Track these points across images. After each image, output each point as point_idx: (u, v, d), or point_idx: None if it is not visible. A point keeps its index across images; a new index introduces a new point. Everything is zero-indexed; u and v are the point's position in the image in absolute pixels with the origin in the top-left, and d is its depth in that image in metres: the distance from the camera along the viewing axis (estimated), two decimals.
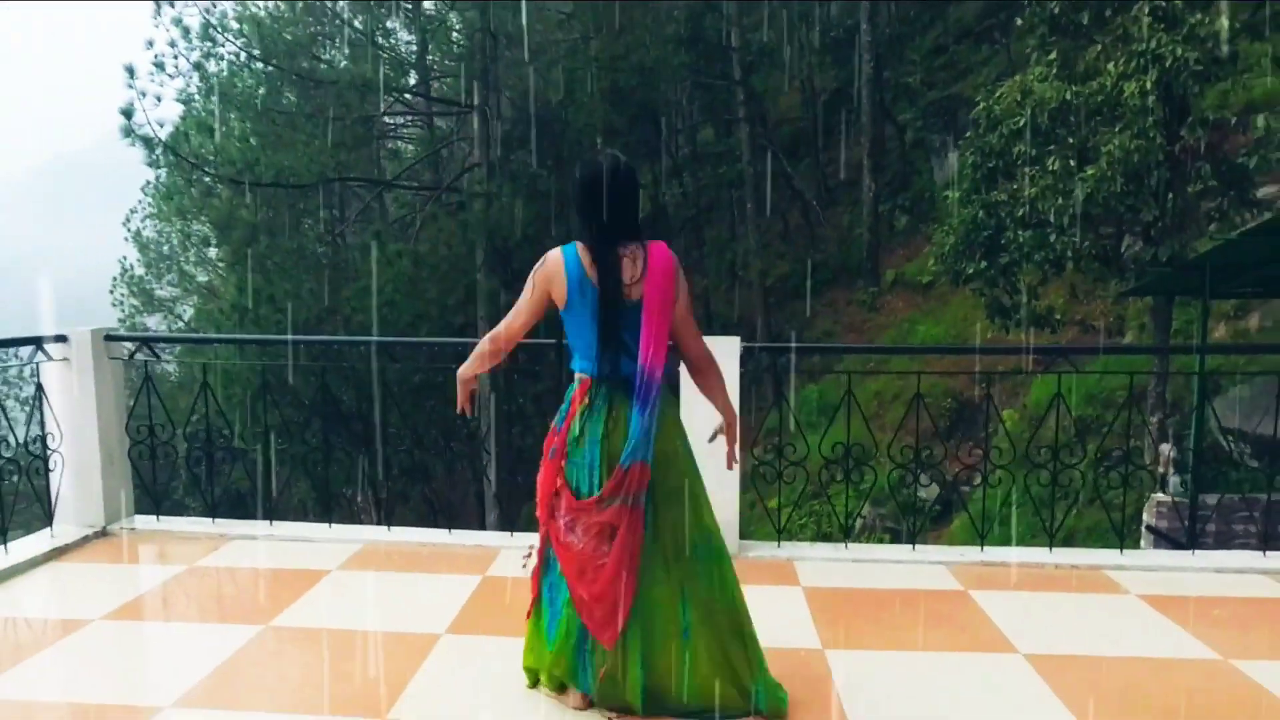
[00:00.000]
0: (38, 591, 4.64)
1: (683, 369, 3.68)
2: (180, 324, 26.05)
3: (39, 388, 5.29)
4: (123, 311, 26.65)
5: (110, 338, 5.46)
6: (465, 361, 3.52)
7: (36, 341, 5.24)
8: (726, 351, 5.11)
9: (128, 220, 26.61)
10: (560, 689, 3.46)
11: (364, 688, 3.59)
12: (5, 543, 4.93)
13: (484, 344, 3.46)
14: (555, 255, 3.32)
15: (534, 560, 3.47)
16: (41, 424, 5.24)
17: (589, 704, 3.38)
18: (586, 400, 3.33)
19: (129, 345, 5.65)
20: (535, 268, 3.35)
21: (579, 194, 3.36)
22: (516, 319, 3.36)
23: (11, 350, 5.29)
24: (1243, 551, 5.85)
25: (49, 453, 5.25)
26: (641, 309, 3.27)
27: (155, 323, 26.38)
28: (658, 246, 3.36)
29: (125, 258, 27.04)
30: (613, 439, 3.27)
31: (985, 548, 5.41)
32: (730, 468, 3.63)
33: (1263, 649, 4.12)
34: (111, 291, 26.97)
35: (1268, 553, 5.39)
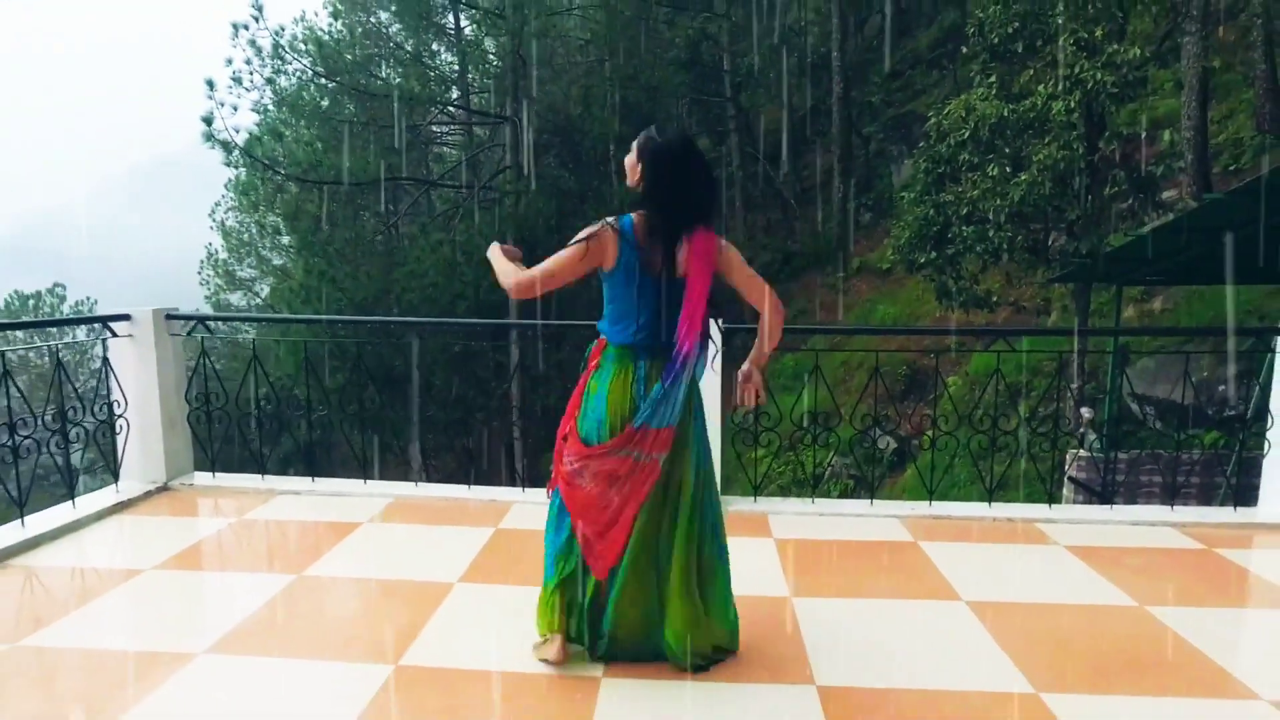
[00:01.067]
0: (102, 541, 4.37)
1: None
2: (259, 300, 25.80)
3: (105, 360, 5.01)
4: (209, 290, 26.44)
5: (170, 316, 5.18)
6: (502, 267, 3.03)
7: (103, 320, 4.96)
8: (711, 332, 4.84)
9: (213, 212, 26.33)
10: (547, 635, 3.13)
11: (381, 635, 3.33)
12: (74, 498, 4.67)
13: (525, 276, 2.92)
14: (611, 228, 2.88)
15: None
16: (108, 393, 4.97)
17: (566, 657, 3.09)
18: (600, 361, 3.00)
19: (188, 322, 5.37)
20: (590, 231, 2.87)
21: (656, 164, 2.87)
22: (558, 275, 2.88)
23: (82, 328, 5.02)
24: (1154, 506, 5.60)
25: (115, 418, 4.98)
26: (685, 286, 2.92)
27: (237, 299, 26.17)
28: (704, 231, 2.94)
29: (211, 244, 26.83)
30: (622, 399, 2.93)
31: (934, 502, 5.14)
32: (741, 404, 3.22)
33: (1173, 596, 3.85)
34: (199, 272, 26.76)
35: (1175, 507, 5.13)
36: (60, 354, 5.09)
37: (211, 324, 5.58)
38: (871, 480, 5.92)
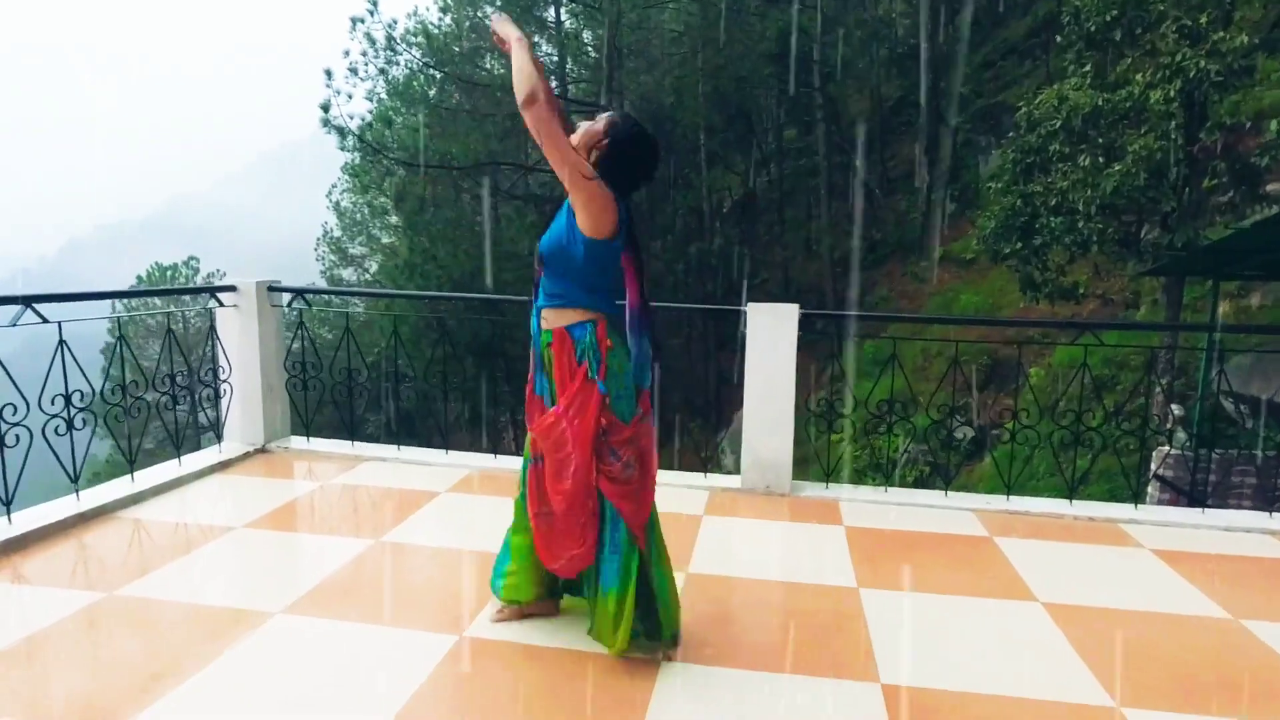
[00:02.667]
0: (203, 498, 4.40)
1: None
2: (368, 276, 26.35)
3: (212, 328, 5.05)
4: (323, 265, 27.12)
5: (272, 288, 5.19)
6: (528, 70, 2.56)
7: (211, 290, 5.00)
8: (785, 316, 4.62)
9: (329, 194, 26.93)
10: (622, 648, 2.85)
11: (449, 605, 3.23)
12: (180, 456, 4.73)
13: (543, 108, 2.53)
14: (609, 189, 2.67)
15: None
16: (214, 359, 5.02)
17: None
18: (611, 340, 2.72)
19: (286, 295, 5.37)
20: (596, 187, 2.61)
21: (623, 147, 2.72)
22: (562, 151, 2.56)
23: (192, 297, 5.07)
24: (1250, 512, 5.12)
25: (219, 383, 5.02)
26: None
27: (349, 274, 26.78)
28: None
29: (326, 223, 27.46)
30: (627, 366, 2.75)
31: (1011, 497, 4.81)
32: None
33: (1272, 610, 3.47)
34: (315, 249, 27.45)
35: (1274, 513, 4.68)
36: (173, 321, 5.16)
37: (310, 296, 5.57)
38: (949, 467, 5.59)
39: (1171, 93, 10.19)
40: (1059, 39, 12.57)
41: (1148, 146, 10.29)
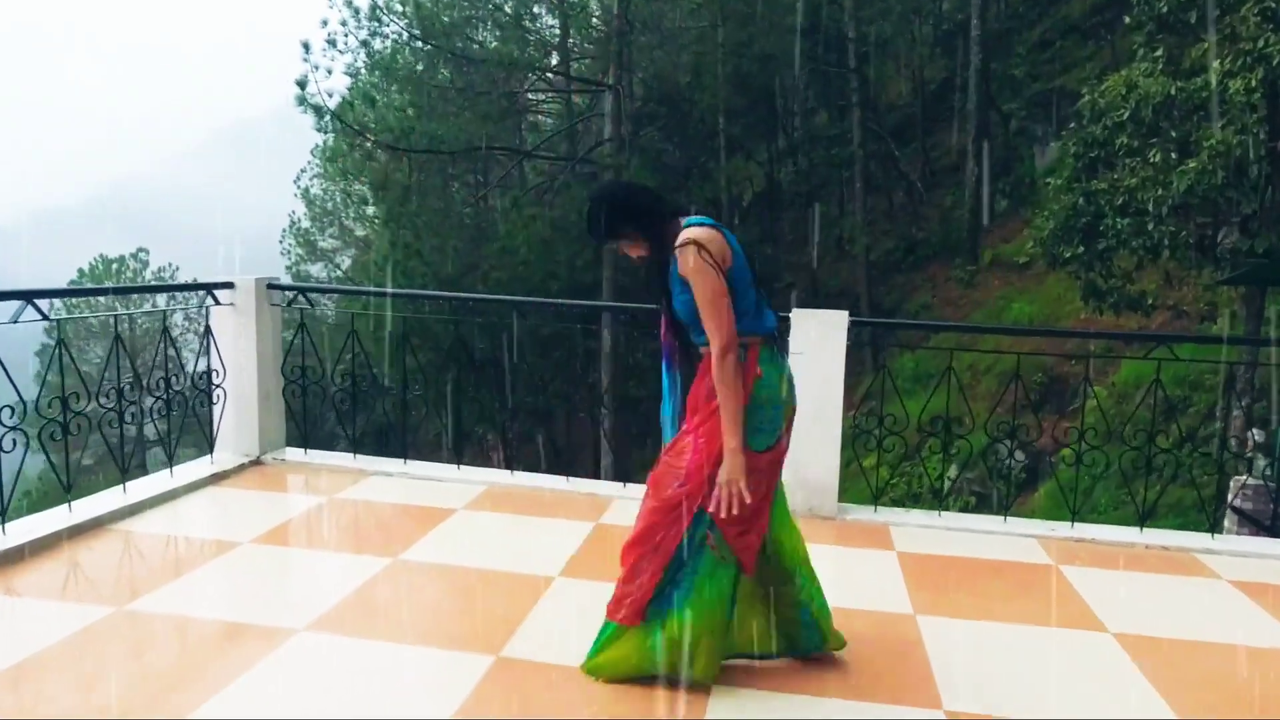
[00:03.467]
0: (197, 512, 4.65)
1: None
2: (339, 273, 26.65)
3: (207, 329, 5.31)
4: (289, 259, 27.41)
5: (272, 286, 5.44)
6: (728, 423, 2.85)
7: (207, 287, 5.25)
8: (834, 324, 4.87)
9: (298, 179, 27.25)
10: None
11: (480, 625, 3.47)
12: (172, 466, 4.97)
13: (730, 369, 2.84)
14: (708, 230, 2.93)
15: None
16: (208, 362, 5.27)
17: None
18: (761, 366, 2.97)
19: (288, 293, 5.63)
20: (696, 254, 2.84)
21: (640, 208, 3.05)
22: (729, 314, 2.87)
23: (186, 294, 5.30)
24: None
25: (213, 388, 5.28)
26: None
27: (317, 271, 27.06)
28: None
29: (294, 212, 27.75)
30: (786, 386, 3.06)
31: (1075, 524, 5.04)
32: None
33: None
34: (280, 241, 27.74)
35: None
36: (163, 322, 5.39)
37: (312, 296, 5.83)
38: (1006, 495, 5.81)
39: (1253, 82, 10.36)
40: (1127, 19, 12.81)
41: (1226, 141, 10.48)
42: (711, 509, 2.91)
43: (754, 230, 24.31)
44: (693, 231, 2.91)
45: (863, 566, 4.35)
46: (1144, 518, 5.08)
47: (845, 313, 4.85)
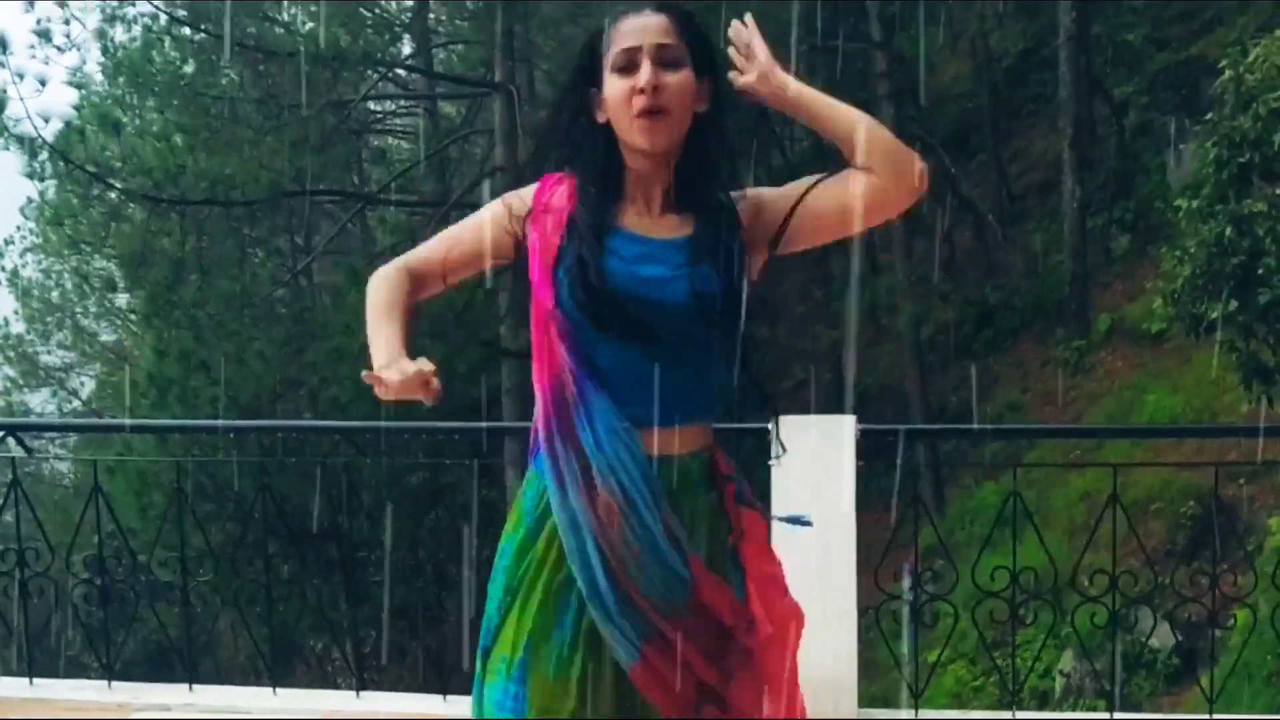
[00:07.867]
0: None
1: None
2: (76, 403, 26.43)
3: None
4: None
5: None
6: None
7: None
8: (835, 434, 4.97)
9: (1, 255, 27.03)
10: None
11: None
12: None
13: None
14: None
15: None
16: None
17: None
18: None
19: None
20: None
21: None
22: None
23: None
24: None
25: None
26: None
27: (40, 401, 26.73)
28: None
29: None
30: None
31: None
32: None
33: None
34: None
35: None
36: None
37: (27, 436, 6.00)
38: (1152, 692, 5.99)
39: None
40: None
41: None
42: None
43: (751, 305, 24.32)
44: None
45: None
46: None
47: (851, 419, 5.02)
